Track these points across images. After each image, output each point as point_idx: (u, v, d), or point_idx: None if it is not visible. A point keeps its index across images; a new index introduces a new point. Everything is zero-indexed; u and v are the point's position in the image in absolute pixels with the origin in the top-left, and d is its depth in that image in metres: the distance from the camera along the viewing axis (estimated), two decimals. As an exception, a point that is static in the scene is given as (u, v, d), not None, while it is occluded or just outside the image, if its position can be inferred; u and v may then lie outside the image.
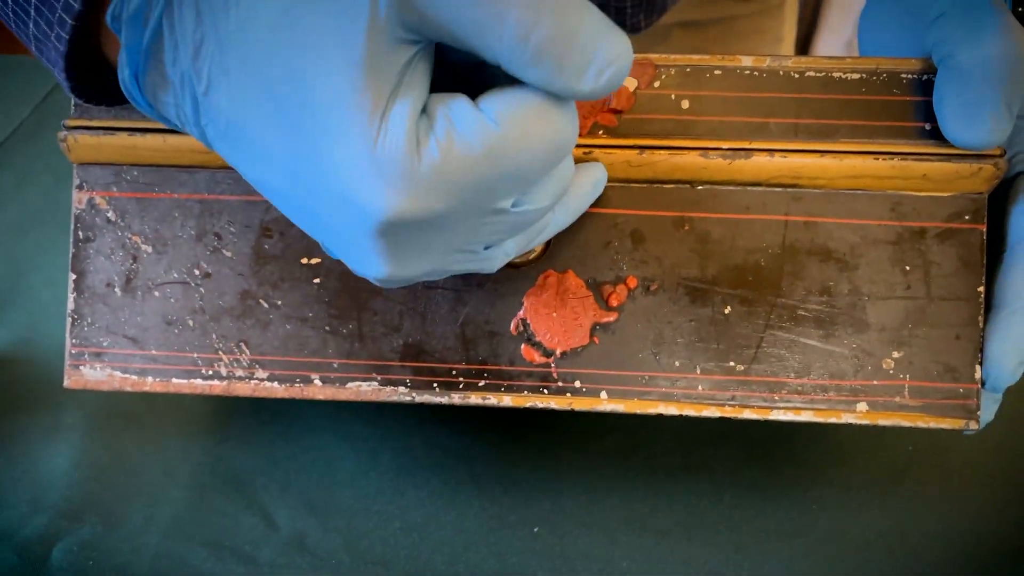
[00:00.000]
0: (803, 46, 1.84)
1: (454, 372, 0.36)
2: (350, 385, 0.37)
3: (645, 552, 0.41)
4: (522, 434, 0.46)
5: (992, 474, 0.44)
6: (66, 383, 0.37)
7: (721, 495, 0.43)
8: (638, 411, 0.36)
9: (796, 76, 0.35)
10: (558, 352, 0.36)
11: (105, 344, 0.37)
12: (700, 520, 0.42)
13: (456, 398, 0.36)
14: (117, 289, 0.37)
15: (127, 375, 0.37)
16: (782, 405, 0.36)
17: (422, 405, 0.37)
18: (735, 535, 0.42)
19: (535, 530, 0.42)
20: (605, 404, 0.36)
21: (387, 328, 0.36)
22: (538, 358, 0.36)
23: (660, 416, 0.36)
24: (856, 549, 0.41)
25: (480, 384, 0.36)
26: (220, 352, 0.37)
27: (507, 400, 0.36)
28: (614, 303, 0.36)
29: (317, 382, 0.37)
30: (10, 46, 0.38)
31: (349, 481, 0.44)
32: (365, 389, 0.37)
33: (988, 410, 0.37)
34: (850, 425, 0.36)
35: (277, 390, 0.37)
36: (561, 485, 0.44)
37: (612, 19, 0.57)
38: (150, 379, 0.37)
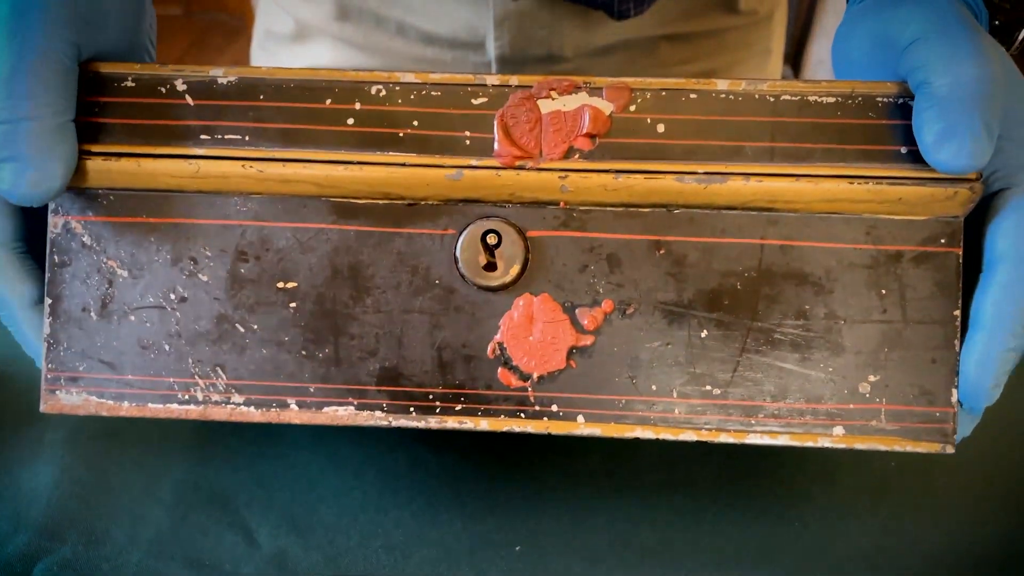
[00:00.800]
0: (797, 50, 1.84)
1: (431, 396, 0.36)
2: (326, 410, 0.37)
3: (628, 571, 0.41)
4: (505, 453, 0.46)
5: (973, 490, 0.44)
6: (42, 407, 0.37)
7: (704, 513, 0.43)
8: (615, 435, 0.36)
9: (771, 100, 0.35)
10: (535, 376, 0.36)
11: (81, 369, 0.37)
12: (683, 538, 0.42)
13: (433, 422, 0.36)
14: (93, 314, 0.37)
15: (103, 400, 0.37)
16: (759, 429, 0.36)
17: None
18: (718, 553, 0.42)
19: (517, 549, 0.42)
20: (582, 428, 0.36)
21: (363, 352, 0.36)
22: (515, 382, 0.36)
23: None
24: (839, 565, 0.41)
25: (457, 408, 0.36)
26: (196, 377, 0.37)
27: (484, 424, 0.36)
28: (590, 327, 0.36)
29: (293, 407, 0.37)
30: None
31: (331, 499, 0.44)
32: (341, 414, 0.37)
33: (965, 427, 0.37)
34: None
35: (253, 415, 0.37)
36: (544, 504, 0.44)
37: (600, 3, 0.57)
38: (126, 404, 0.37)
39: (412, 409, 0.36)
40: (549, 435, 0.37)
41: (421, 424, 0.36)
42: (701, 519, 0.43)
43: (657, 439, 0.36)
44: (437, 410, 0.36)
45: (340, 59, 0.67)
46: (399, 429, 0.45)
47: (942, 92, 0.33)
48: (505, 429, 0.36)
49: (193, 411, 0.37)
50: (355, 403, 0.37)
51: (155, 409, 0.37)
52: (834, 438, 0.36)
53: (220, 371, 0.37)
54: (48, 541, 0.42)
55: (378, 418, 0.36)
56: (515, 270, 0.36)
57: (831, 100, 0.35)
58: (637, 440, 0.37)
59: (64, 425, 0.47)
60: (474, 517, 0.43)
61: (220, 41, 2.18)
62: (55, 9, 0.34)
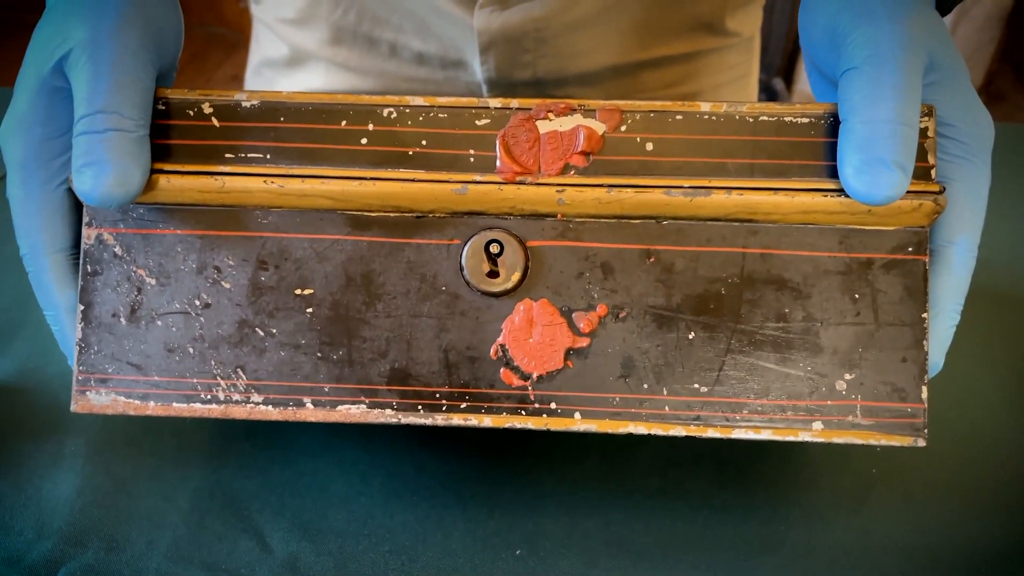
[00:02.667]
0: (789, 64, 1.88)
1: (438, 395, 0.39)
2: (340, 408, 0.39)
3: (623, 572, 0.43)
4: (506, 459, 0.48)
5: (950, 492, 0.47)
6: (73, 407, 0.40)
7: (695, 516, 0.45)
8: (609, 431, 0.38)
9: (751, 120, 0.38)
10: (535, 376, 0.39)
11: (110, 371, 0.39)
12: (676, 540, 0.44)
13: (440, 419, 0.39)
14: (122, 319, 0.39)
15: (130, 400, 0.39)
16: (743, 424, 0.38)
17: (411, 430, 0.39)
18: (709, 554, 0.44)
19: (518, 552, 0.44)
20: (579, 424, 0.39)
21: (375, 354, 0.39)
22: (516, 381, 0.39)
23: (636, 440, 0.39)
24: (824, 564, 0.43)
25: (462, 406, 0.39)
26: (218, 378, 0.39)
27: (487, 421, 0.39)
28: (586, 329, 0.39)
29: (309, 405, 0.39)
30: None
31: (341, 505, 0.46)
32: (354, 412, 0.39)
33: None
34: (816, 447, 0.38)
35: (271, 413, 0.39)
36: (543, 508, 0.46)
37: None
38: (152, 403, 0.39)
39: (420, 407, 0.39)
40: (549, 440, 0.39)
41: (428, 421, 0.39)
42: (693, 521, 0.45)
43: (648, 434, 0.38)
44: (443, 408, 0.39)
45: (334, 82, 0.70)
46: (405, 436, 0.48)
47: (859, 129, 0.35)
48: (507, 426, 0.39)
49: (215, 410, 0.39)
50: (367, 402, 0.39)
51: (179, 408, 0.39)
52: (813, 432, 0.38)
53: (240, 372, 0.39)
54: (71, 547, 0.44)
55: (388, 416, 0.39)
56: (516, 277, 0.38)
57: (805, 120, 0.38)
58: (633, 444, 0.40)
59: (85, 435, 0.49)
60: (476, 521, 0.45)
61: (219, 54, 2.21)
62: (139, 34, 0.37)
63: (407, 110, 0.38)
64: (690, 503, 0.46)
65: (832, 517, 0.45)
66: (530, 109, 0.38)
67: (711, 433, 0.38)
